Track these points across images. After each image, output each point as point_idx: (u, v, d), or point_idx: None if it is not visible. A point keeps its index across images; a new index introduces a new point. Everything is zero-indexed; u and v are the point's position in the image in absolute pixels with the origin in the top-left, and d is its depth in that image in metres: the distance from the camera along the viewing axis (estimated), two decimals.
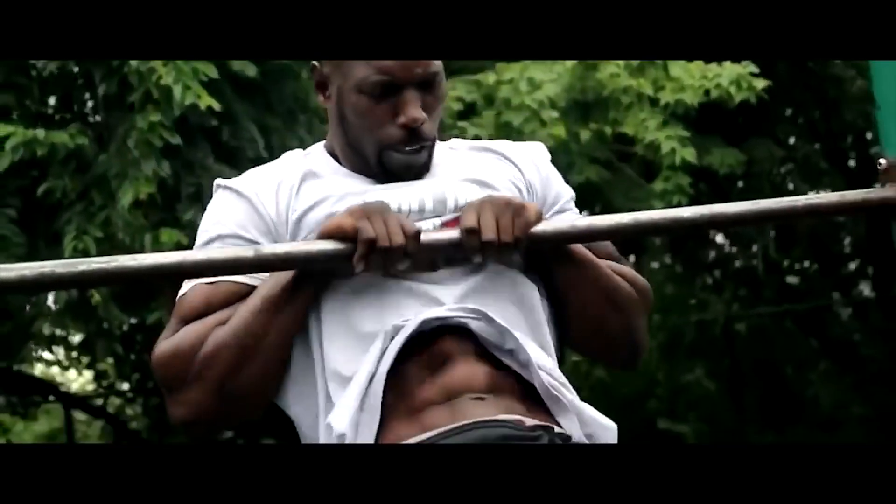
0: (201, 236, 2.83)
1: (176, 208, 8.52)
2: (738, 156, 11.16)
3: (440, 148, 2.90)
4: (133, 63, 7.96)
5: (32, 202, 8.58)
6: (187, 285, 2.78)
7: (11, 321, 12.75)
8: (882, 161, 2.50)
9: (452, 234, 2.65)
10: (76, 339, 15.94)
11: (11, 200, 8.51)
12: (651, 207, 8.13)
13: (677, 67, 9.36)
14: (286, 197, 2.77)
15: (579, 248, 2.79)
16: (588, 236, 2.85)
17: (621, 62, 9.36)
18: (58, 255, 8.15)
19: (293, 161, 2.88)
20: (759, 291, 18.16)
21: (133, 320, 10.70)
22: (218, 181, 2.89)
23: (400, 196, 2.74)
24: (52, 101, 9.26)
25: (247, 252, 2.65)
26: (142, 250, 8.16)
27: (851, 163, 14.71)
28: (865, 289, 18.30)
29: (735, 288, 18.31)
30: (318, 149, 2.91)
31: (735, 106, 9.54)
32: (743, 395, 17.35)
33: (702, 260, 16.57)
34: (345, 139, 2.82)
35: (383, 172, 2.76)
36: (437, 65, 2.74)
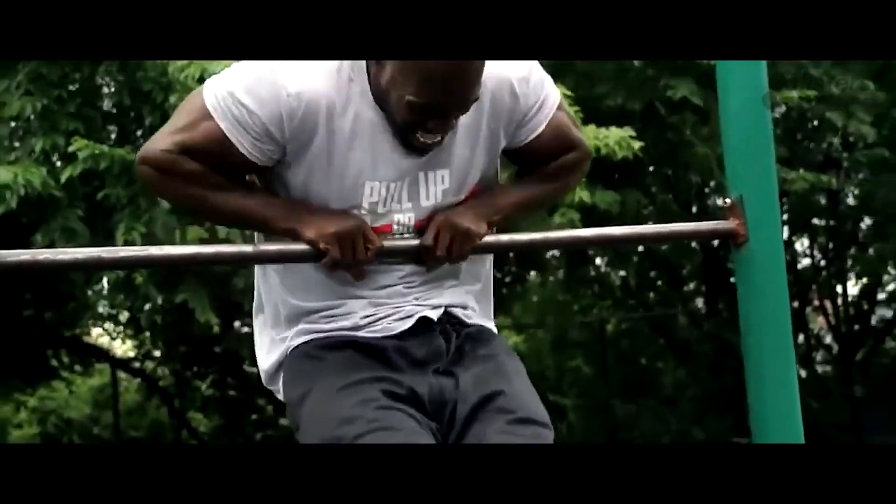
0: (224, 86, 2.43)
1: None
2: (615, 197, 11.04)
3: None
4: (172, 100, 7.73)
5: (94, 204, 8.35)
6: (205, 97, 2.43)
7: (76, 301, 12.64)
8: (727, 199, 2.37)
9: (412, 243, 2.50)
10: (123, 316, 15.60)
11: (79, 203, 8.27)
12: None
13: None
14: (312, 116, 2.41)
15: (508, 204, 2.65)
16: (509, 247, 3.02)
17: None
18: (111, 246, 8.00)
19: (332, 77, 2.43)
20: (626, 302, 18.21)
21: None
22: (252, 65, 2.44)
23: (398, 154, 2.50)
24: (111, 127, 8.98)
25: (247, 248, 2.58)
26: (173, 244, 7.96)
27: (694, 209, 14.63)
28: (700, 302, 18.20)
29: (609, 298, 18.31)
30: (362, 75, 2.45)
31: (617, 160, 9.40)
32: (609, 377, 17.19)
33: (585, 276, 16.40)
34: (385, 98, 2.42)
35: (404, 138, 2.46)
36: (475, 94, 2.41)
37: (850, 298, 17.71)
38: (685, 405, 16.89)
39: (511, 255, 12.05)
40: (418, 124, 2.38)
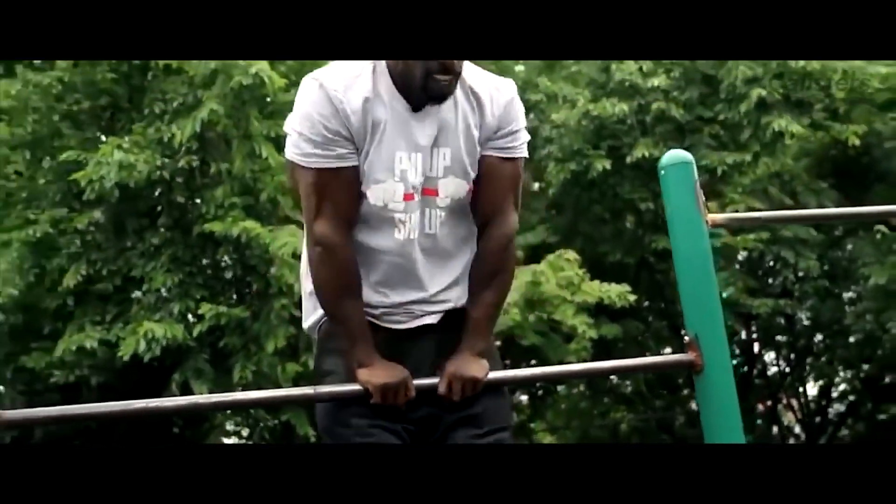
0: (304, 123, 2.39)
1: (298, 352, 8.42)
2: (618, 329, 11.06)
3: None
4: (272, 270, 7.90)
5: (217, 351, 8.45)
6: (307, 161, 2.38)
7: (208, 422, 12.49)
8: (686, 337, 2.43)
9: (434, 383, 2.44)
10: (245, 432, 15.60)
11: (206, 349, 8.39)
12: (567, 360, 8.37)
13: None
14: (362, 112, 2.38)
15: (487, 333, 2.56)
16: (513, 381, 2.73)
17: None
18: (230, 382, 8.10)
19: (367, 75, 2.41)
20: (637, 406, 18.06)
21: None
22: (316, 76, 2.41)
23: (417, 130, 2.42)
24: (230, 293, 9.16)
25: (309, 391, 2.48)
26: (278, 379, 8.08)
27: (683, 331, 14.56)
28: (694, 404, 17.87)
29: (623, 404, 18.21)
30: (383, 68, 2.41)
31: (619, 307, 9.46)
32: None
33: (602, 387, 16.40)
34: (405, 69, 2.37)
35: (424, 90, 2.37)
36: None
37: (810, 397, 17.58)
38: None
39: None
40: (433, 67, 2.33)
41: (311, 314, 2.54)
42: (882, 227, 11.57)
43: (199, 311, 8.02)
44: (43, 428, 8.71)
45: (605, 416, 18.19)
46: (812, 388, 17.72)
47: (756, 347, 16.42)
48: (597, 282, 9.32)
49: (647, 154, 10.65)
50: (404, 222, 2.39)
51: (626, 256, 11.77)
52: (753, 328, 14.65)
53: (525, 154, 2.51)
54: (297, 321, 7.71)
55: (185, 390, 7.85)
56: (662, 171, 2.44)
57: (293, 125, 2.38)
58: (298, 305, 7.63)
